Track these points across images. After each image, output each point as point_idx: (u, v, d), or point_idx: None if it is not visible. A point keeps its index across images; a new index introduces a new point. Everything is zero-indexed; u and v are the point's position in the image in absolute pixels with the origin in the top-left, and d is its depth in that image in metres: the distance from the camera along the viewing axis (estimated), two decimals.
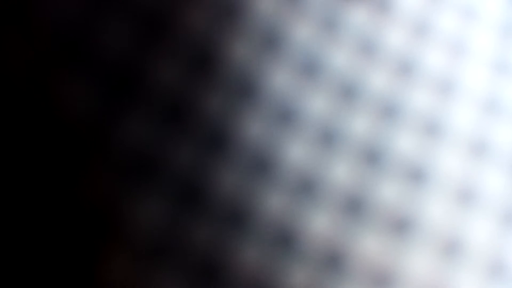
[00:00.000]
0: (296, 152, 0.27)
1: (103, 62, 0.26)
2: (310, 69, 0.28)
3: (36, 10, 0.26)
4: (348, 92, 0.28)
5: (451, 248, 0.27)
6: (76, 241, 0.23)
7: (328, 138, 0.27)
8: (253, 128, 0.26)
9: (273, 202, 0.26)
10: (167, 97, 0.26)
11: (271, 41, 0.28)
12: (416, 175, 0.28)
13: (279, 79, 0.28)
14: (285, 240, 0.25)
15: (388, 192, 0.27)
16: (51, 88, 0.25)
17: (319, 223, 0.26)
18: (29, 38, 0.25)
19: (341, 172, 0.27)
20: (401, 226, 0.27)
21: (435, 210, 0.27)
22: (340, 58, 0.29)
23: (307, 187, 0.26)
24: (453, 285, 0.26)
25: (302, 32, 0.29)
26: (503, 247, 0.28)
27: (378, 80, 0.29)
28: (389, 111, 0.29)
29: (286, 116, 0.27)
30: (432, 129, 0.29)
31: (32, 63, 0.25)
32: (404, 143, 0.28)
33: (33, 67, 0.25)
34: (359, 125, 0.28)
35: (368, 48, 0.30)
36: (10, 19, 0.25)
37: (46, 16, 0.26)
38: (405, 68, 0.30)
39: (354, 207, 0.26)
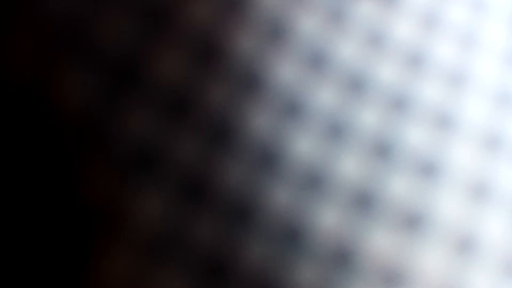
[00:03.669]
0: (303, 146, 0.26)
1: (106, 55, 0.25)
2: (317, 61, 0.28)
3: (38, 2, 0.26)
4: (356, 85, 0.28)
5: (465, 245, 0.27)
6: (77, 236, 0.23)
7: (336, 131, 0.27)
8: (260, 121, 0.26)
9: (280, 197, 0.25)
10: (170, 90, 0.26)
11: (278, 33, 0.28)
12: (428, 169, 0.27)
13: (286, 72, 0.27)
14: (292, 236, 0.25)
15: (399, 186, 0.27)
16: (53, 81, 0.25)
17: (328, 219, 0.25)
18: (31, 30, 0.25)
19: (350, 166, 0.27)
20: (412, 222, 0.26)
21: (448, 206, 0.27)
22: (347, 50, 0.29)
23: (315, 182, 0.26)
24: (467, 283, 0.26)
25: (309, 24, 0.29)
26: None
27: (387, 73, 0.29)
28: (398, 104, 0.28)
29: (293, 109, 0.27)
30: (443, 122, 0.29)
31: (34, 55, 0.25)
32: (415, 136, 0.28)
33: (34, 60, 0.25)
34: (368, 118, 0.28)
35: (376, 40, 0.29)
36: (12, 11, 0.25)
37: (48, 8, 0.26)
38: (415, 60, 0.29)
39: (364, 202, 0.26)
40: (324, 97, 0.28)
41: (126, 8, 0.26)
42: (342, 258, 0.25)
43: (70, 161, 0.24)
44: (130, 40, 0.26)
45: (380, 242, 0.26)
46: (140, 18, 0.26)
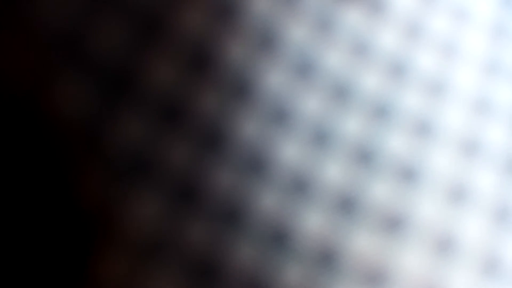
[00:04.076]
0: (290, 152, 0.27)
1: (99, 62, 0.26)
2: (304, 69, 0.28)
3: (33, 11, 0.26)
4: (341, 93, 0.29)
5: (444, 246, 0.27)
6: (72, 240, 0.23)
7: (322, 137, 0.28)
8: (248, 127, 0.27)
9: (268, 201, 0.26)
10: (162, 97, 0.26)
11: (266, 42, 0.28)
12: (408, 174, 0.28)
13: (274, 79, 0.28)
14: (279, 238, 0.25)
15: (381, 190, 0.27)
16: (47, 88, 0.25)
17: (313, 222, 0.26)
18: (26, 39, 0.25)
19: (334, 171, 0.27)
20: (393, 224, 0.27)
21: (427, 208, 0.28)
22: (333, 58, 0.29)
23: (301, 186, 0.26)
24: (446, 282, 0.26)
25: (296, 33, 0.29)
26: (495, 243, 0.28)
27: (370, 81, 0.29)
28: (381, 111, 0.29)
29: (281, 116, 0.27)
30: (423, 128, 0.29)
31: (28, 64, 0.25)
32: (396, 142, 0.28)
33: (28, 67, 0.25)
34: (352, 125, 0.28)
35: (361, 49, 0.30)
36: (8, 19, 0.25)
37: (43, 16, 0.26)
38: (397, 69, 0.30)
39: (347, 205, 0.27)
40: (310, 104, 0.28)
41: (120, 17, 0.27)
42: (327, 259, 0.26)
43: (64, 167, 0.24)
44: (124, 48, 0.26)
45: (363, 243, 0.26)
46: (134, 28, 0.27)
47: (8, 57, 0.25)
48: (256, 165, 0.26)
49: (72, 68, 0.25)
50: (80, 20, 0.26)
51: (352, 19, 0.30)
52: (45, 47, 0.25)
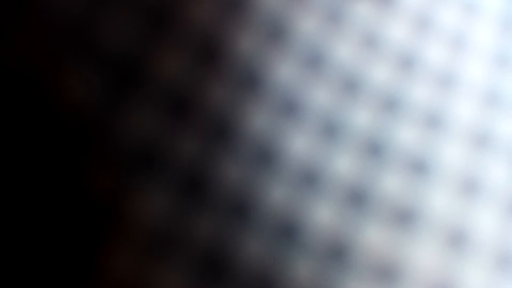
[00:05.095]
0: (299, 144, 0.27)
1: (108, 54, 0.26)
2: (314, 61, 0.28)
3: (41, 1, 0.26)
4: (351, 85, 0.29)
5: (456, 239, 0.27)
6: (79, 233, 0.23)
7: (331, 130, 0.27)
8: (258, 120, 0.27)
9: (277, 194, 0.26)
10: (172, 89, 0.26)
11: (276, 34, 0.28)
12: (419, 167, 0.28)
13: (284, 72, 0.28)
14: (288, 232, 0.25)
15: (391, 184, 0.27)
16: (57, 80, 0.25)
17: (323, 215, 0.26)
18: (34, 30, 0.25)
19: (344, 164, 0.27)
20: (404, 217, 0.27)
21: (439, 202, 0.27)
22: (343, 51, 0.29)
23: (310, 179, 0.26)
24: (458, 276, 0.26)
25: (307, 25, 0.29)
26: (508, 237, 0.28)
27: (380, 73, 0.29)
28: (391, 104, 0.29)
29: (290, 108, 0.27)
30: (434, 121, 0.29)
31: (37, 54, 0.25)
32: (407, 135, 0.28)
33: (37, 58, 0.25)
34: (362, 117, 0.28)
35: (371, 42, 0.30)
36: (19, 7, 0.25)
37: (51, 7, 0.26)
38: (408, 62, 0.30)
39: (358, 199, 0.27)
40: (320, 96, 0.28)
41: (129, 7, 0.27)
42: (337, 253, 0.26)
43: (73, 158, 0.24)
44: (133, 39, 0.26)
45: (373, 237, 0.26)
46: (143, 18, 0.27)
47: (19, 42, 0.25)
48: (265, 157, 0.26)
49: (82, 56, 0.25)
50: (90, 10, 0.26)
51: (362, 12, 0.30)
52: (53, 37, 0.25)
